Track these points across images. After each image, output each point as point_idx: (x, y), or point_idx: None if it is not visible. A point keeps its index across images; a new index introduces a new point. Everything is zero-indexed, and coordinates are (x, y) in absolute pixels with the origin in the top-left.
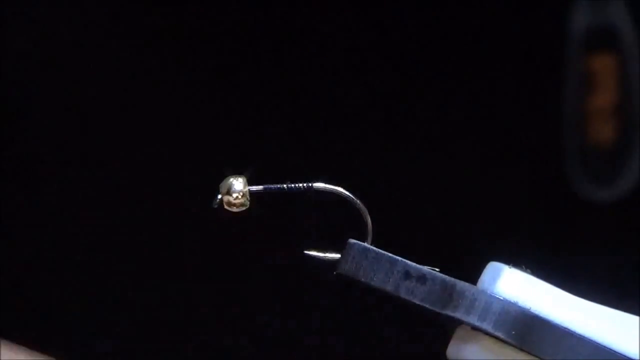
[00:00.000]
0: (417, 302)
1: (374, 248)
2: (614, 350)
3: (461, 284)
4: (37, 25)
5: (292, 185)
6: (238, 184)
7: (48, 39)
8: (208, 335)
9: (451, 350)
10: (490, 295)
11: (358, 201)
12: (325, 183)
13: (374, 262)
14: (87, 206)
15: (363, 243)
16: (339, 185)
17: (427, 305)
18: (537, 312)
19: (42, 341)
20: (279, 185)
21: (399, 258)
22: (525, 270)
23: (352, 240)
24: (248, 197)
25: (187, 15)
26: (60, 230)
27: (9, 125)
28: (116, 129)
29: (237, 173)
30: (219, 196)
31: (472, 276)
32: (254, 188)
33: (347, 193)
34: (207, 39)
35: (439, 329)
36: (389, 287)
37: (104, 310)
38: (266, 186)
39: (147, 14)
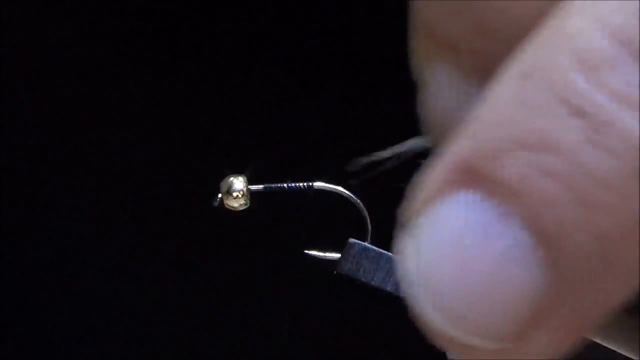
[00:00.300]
0: None
1: (374, 247)
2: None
3: None
4: (30, 25)
5: (293, 184)
6: (238, 183)
7: (43, 38)
8: (207, 335)
9: None
10: None
11: (358, 201)
12: (325, 183)
13: (374, 262)
14: (86, 207)
15: (363, 242)
16: (339, 185)
17: None
18: None
19: (38, 341)
20: (279, 185)
21: None
22: None
23: (352, 240)
24: (248, 196)
25: (187, 13)
26: (57, 230)
27: (7, 125)
28: (115, 129)
29: (238, 172)
30: (219, 195)
31: None
32: (254, 187)
33: (348, 192)
34: (207, 37)
35: None
36: (389, 287)
37: (101, 311)
38: (266, 185)
39: (146, 11)
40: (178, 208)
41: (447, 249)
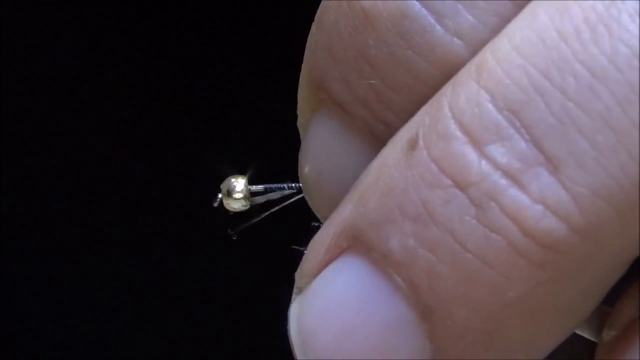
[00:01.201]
0: None
1: None
2: None
3: None
4: (28, 24)
5: (293, 184)
6: (239, 184)
7: (39, 38)
8: (206, 336)
9: None
10: None
11: None
12: None
13: None
14: (85, 208)
15: None
16: None
17: None
18: None
19: (35, 341)
20: (279, 185)
21: None
22: None
23: None
24: (249, 197)
25: (188, 12)
26: (56, 232)
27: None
28: (114, 131)
29: (239, 173)
30: (219, 196)
31: None
32: (255, 188)
33: None
34: (207, 37)
35: None
36: None
37: (100, 312)
38: (267, 186)
39: (147, 10)
40: (178, 208)
41: (330, 315)
